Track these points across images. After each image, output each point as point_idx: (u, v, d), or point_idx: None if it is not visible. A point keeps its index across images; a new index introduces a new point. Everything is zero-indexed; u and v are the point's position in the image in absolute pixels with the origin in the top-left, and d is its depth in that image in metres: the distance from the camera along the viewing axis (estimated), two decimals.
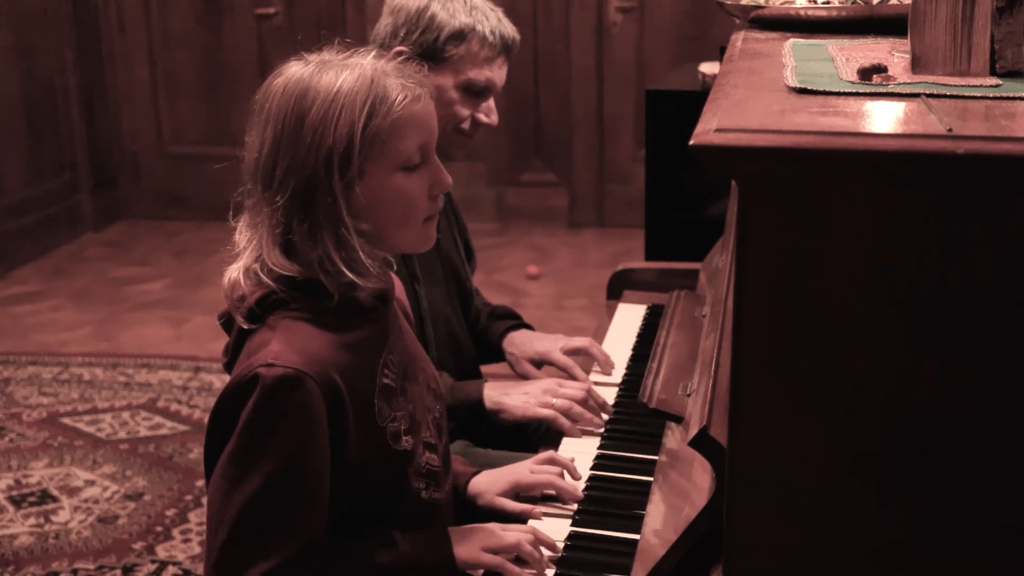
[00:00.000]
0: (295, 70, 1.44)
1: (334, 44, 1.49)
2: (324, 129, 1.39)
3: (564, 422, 1.91)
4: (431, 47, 1.99)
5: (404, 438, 1.49)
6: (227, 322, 1.48)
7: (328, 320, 1.43)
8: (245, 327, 1.44)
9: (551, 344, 2.21)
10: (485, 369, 2.27)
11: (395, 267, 1.58)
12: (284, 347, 1.38)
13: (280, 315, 1.43)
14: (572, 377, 2.15)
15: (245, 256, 1.45)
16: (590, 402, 1.95)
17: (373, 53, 1.48)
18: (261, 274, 1.43)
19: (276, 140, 1.41)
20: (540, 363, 2.21)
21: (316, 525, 1.41)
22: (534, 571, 1.52)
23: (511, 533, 1.52)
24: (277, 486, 1.36)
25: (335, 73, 1.42)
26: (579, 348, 2.18)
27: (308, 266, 1.42)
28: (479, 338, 2.29)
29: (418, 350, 1.62)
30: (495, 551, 1.50)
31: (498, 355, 2.29)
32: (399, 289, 1.67)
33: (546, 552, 1.55)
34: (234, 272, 1.45)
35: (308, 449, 1.37)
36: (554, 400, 1.93)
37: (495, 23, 2.02)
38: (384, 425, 1.46)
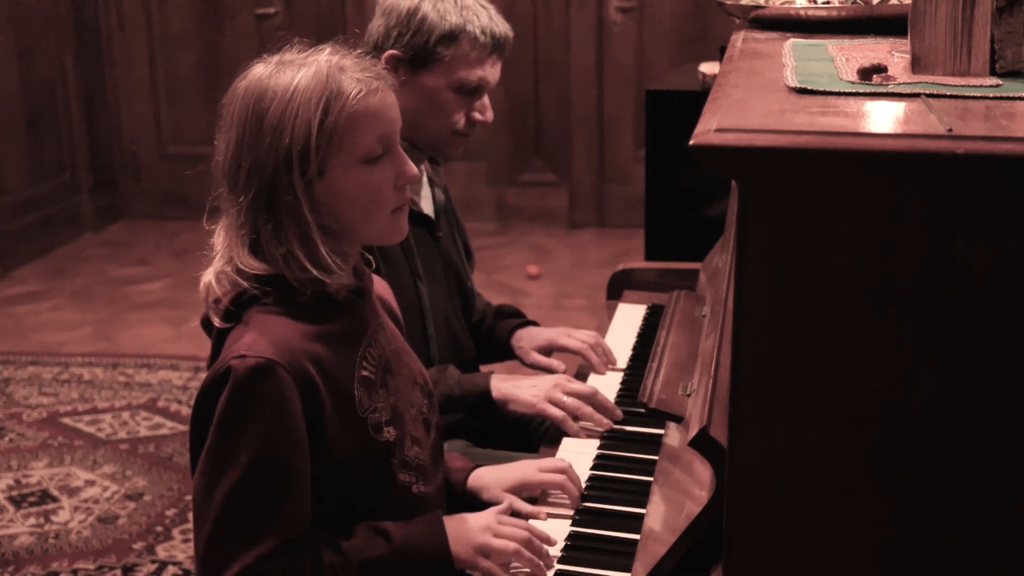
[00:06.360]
0: (256, 71, 1.48)
1: (294, 43, 1.51)
2: (282, 129, 1.42)
3: (572, 426, 1.91)
4: (423, 50, 1.99)
5: (386, 429, 1.50)
6: (207, 326, 1.50)
7: (301, 313, 1.45)
8: (219, 326, 1.46)
9: (559, 332, 2.21)
10: (487, 368, 2.27)
11: (373, 265, 1.60)
12: (256, 338, 1.41)
13: (254, 310, 1.45)
14: (586, 360, 2.15)
15: (217, 259, 1.48)
16: (599, 397, 1.95)
17: (329, 49, 1.50)
18: (233, 275, 1.45)
19: (239, 142, 1.44)
20: (549, 351, 2.22)
21: (300, 514, 1.42)
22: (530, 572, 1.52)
23: (509, 541, 1.51)
24: (255, 476, 1.38)
25: (292, 72, 1.45)
26: (586, 340, 2.18)
27: (275, 264, 1.44)
28: (486, 337, 2.29)
29: (402, 347, 1.63)
30: (492, 553, 1.51)
31: (505, 353, 2.29)
32: (384, 289, 1.69)
33: (550, 550, 1.55)
34: (208, 276, 1.48)
35: (283, 437, 1.39)
36: (565, 398, 1.93)
37: (486, 22, 2.02)
38: (365, 416, 1.48)
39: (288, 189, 1.42)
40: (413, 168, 1.52)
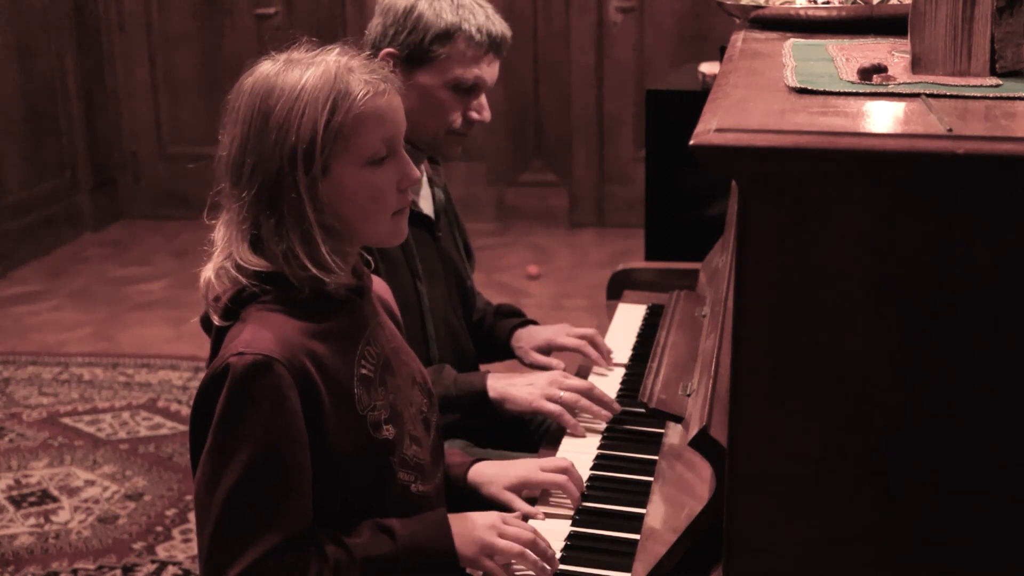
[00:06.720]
0: (263, 68, 1.48)
1: (302, 43, 1.52)
2: (288, 126, 1.42)
3: (569, 419, 1.91)
4: (418, 48, 2.00)
5: (385, 427, 1.50)
6: (207, 324, 1.50)
7: (300, 311, 1.46)
8: (218, 323, 1.46)
9: (557, 331, 2.22)
10: (486, 368, 2.27)
11: (372, 266, 1.61)
12: (254, 335, 1.41)
13: (253, 307, 1.46)
14: (585, 356, 2.16)
15: (216, 255, 1.48)
16: (595, 392, 1.94)
17: (338, 49, 1.50)
18: (233, 271, 1.45)
19: (244, 137, 1.45)
20: (548, 351, 2.22)
21: (302, 511, 1.42)
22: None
23: (513, 543, 1.51)
24: (256, 473, 1.38)
25: (300, 71, 1.45)
26: (584, 335, 2.18)
27: (274, 260, 1.45)
28: (486, 337, 2.29)
29: (401, 346, 1.63)
30: (496, 554, 1.50)
31: (505, 353, 2.29)
32: (384, 289, 1.70)
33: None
34: (207, 272, 1.48)
35: (283, 433, 1.39)
36: (561, 393, 1.93)
37: (483, 20, 2.02)
38: (364, 414, 1.48)
39: (292, 187, 1.42)
40: (415, 171, 1.52)
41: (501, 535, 1.51)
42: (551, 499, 1.72)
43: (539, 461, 1.73)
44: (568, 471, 1.70)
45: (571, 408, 1.93)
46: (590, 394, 1.93)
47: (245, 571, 1.37)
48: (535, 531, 1.54)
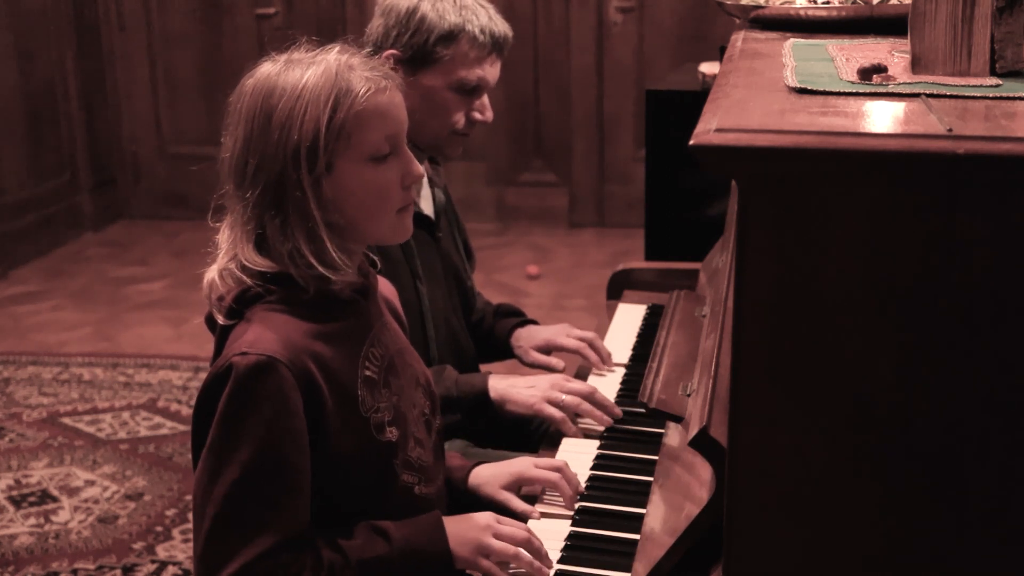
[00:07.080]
0: (264, 69, 1.48)
1: (302, 42, 1.52)
2: (290, 125, 1.43)
3: (570, 427, 1.91)
4: (421, 49, 2.00)
5: (388, 429, 1.50)
6: (212, 323, 1.50)
7: (305, 311, 1.46)
8: (222, 323, 1.47)
9: (557, 331, 2.22)
10: (486, 368, 2.27)
11: (379, 267, 1.60)
12: (258, 336, 1.41)
13: (258, 307, 1.46)
14: (584, 358, 2.16)
15: (221, 256, 1.48)
16: (597, 395, 1.94)
17: (338, 48, 1.51)
18: (238, 272, 1.46)
19: (247, 138, 1.45)
20: (547, 351, 2.22)
21: (299, 512, 1.42)
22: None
23: (508, 544, 1.51)
24: (255, 472, 1.38)
25: (301, 70, 1.46)
26: (584, 338, 2.18)
27: (280, 260, 1.45)
28: (486, 337, 2.29)
29: (406, 347, 1.63)
30: (492, 555, 1.51)
31: (505, 352, 2.29)
32: (389, 290, 1.69)
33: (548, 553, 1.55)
34: (211, 273, 1.48)
35: (284, 434, 1.39)
36: (563, 397, 1.92)
37: (485, 21, 2.02)
38: (368, 415, 1.48)
39: (296, 185, 1.43)
40: (419, 168, 1.53)
41: (496, 535, 1.51)
42: (546, 498, 1.72)
43: (534, 459, 1.73)
44: (562, 470, 1.70)
45: (572, 412, 1.92)
46: (591, 398, 1.93)
47: (239, 571, 1.37)
48: (529, 531, 1.54)
